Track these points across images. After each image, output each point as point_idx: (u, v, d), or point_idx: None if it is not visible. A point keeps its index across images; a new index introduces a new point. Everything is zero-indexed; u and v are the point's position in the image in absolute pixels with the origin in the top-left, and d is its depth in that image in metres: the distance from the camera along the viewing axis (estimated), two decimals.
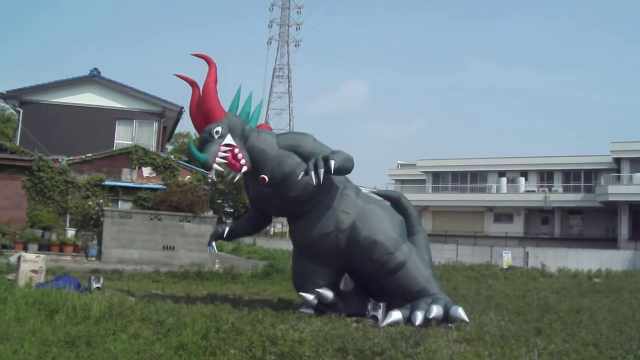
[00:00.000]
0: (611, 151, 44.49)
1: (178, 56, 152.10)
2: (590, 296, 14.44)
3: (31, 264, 11.18)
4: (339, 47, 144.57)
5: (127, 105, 28.88)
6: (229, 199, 50.82)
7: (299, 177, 8.73)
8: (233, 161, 8.96)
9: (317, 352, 6.25)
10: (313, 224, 9.31)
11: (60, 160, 24.34)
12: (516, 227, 49.05)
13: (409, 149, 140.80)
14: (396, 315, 8.73)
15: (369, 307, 8.87)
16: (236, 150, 8.95)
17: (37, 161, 23.54)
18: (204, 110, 9.12)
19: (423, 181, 55.69)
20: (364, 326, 8.16)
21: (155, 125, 29.09)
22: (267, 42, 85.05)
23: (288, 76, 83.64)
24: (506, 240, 44.96)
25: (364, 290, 10.16)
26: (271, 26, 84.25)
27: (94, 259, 21.15)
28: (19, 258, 11.62)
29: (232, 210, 52.76)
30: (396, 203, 10.22)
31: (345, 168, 8.89)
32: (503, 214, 50.13)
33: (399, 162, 63.33)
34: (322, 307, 9.41)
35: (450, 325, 8.52)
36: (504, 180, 50.40)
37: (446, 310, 8.73)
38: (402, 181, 58.26)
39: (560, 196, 47.41)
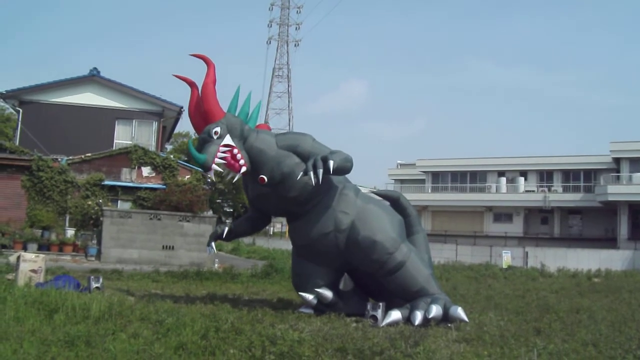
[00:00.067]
0: (611, 151, 44.50)
1: (178, 56, 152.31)
2: (590, 296, 14.45)
3: (30, 263, 11.19)
4: (338, 47, 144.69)
5: (126, 105, 28.89)
6: (229, 198, 50.80)
7: (298, 177, 8.73)
8: (232, 161, 8.96)
9: (316, 351, 6.25)
10: (312, 224, 9.31)
11: (59, 160, 24.34)
12: (516, 227, 49.06)
13: (408, 149, 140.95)
14: (395, 315, 8.74)
15: (369, 306, 8.87)
16: (235, 151, 8.96)
17: (37, 161, 23.54)
18: (202, 111, 9.12)
19: (422, 181, 55.70)
20: (363, 326, 8.16)
21: (155, 125, 29.10)
22: (267, 42, 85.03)
23: (288, 76, 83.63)
24: (506, 240, 44.97)
25: (363, 290, 10.16)
26: (271, 26, 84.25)
27: (93, 258, 21.14)
28: (18, 258, 11.62)
29: (231, 210, 52.75)
30: (395, 203, 10.23)
31: (344, 168, 8.89)
32: (502, 214, 50.15)
33: (399, 162, 63.35)
34: (321, 307, 9.42)
35: (449, 325, 8.52)
36: (503, 180, 50.40)
37: (445, 310, 8.74)
38: (402, 181, 58.26)
39: (559, 196, 47.43)
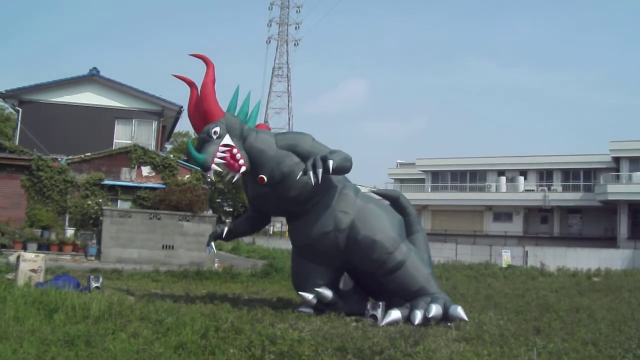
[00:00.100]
0: (610, 150, 44.48)
1: (177, 55, 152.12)
2: (590, 295, 14.46)
3: (30, 263, 11.18)
4: (338, 46, 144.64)
5: (126, 105, 28.88)
6: (228, 198, 50.80)
7: (298, 177, 8.73)
8: (231, 161, 8.96)
9: (316, 351, 6.25)
10: (312, 224, 9.31)
11: (59, 159, 24.33)
12: (515, 226, 49.06)
13: (408, 148, 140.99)
14: (395, 314, 8.74)
15: (368, 306, 8.87)
16: (234, 151, 8.96)
17: (36, 160, 23.53)
18: (202, 111, 9.12)
19: (422, 180, 55.67)
20: (363, 325, 8.15)
21: (155, 124, 29.09)
22: (267, 41, 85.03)
23: (287, 75, 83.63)
24: (505, 239, 44.98)
25: (363, 290, 10.16)
26: (270, 25, 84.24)
27: (93, 258, 21.14)
28: (18, 257, 11.62)
29: (231, 209, 52.75)
30: (395, 202, 10.23)
31: (343, 168, 8.89)
32: (502, 213, 50.14)
33: (398, 161, 63.33)
34: (321, 306, 9.42)
35: (449, 324, 8.53)
36: (503, 179, 50.38)
37: (445, 310, 8.74)
38: (402, 180, 58.23)
39: (559, 195, 47.43)
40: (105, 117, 28.25)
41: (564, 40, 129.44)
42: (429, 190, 54.01)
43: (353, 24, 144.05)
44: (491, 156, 52.20)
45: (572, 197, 46.63)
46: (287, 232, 11.16)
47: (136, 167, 25.37)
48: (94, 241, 22.03)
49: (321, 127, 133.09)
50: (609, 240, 42.53)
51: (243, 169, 9.03)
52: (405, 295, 9.09)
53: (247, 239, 38.34)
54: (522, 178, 50.02)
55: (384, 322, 8.56)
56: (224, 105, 9.25)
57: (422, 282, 9.03)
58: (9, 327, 6.85)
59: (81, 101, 28.25)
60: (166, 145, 44.70)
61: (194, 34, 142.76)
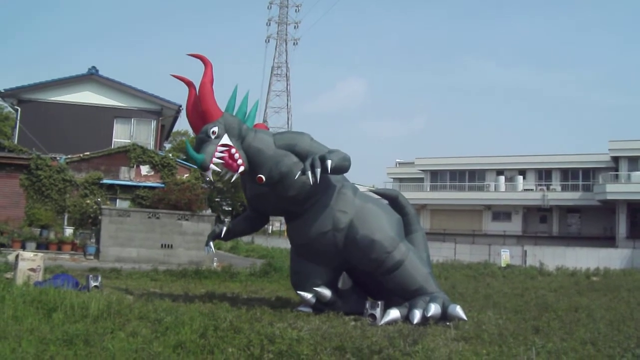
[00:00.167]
0: (609, 150, 44.47)
1: (176, 55, 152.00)
2: (589, 295, 14.46)
3: (29, 262, 11.18)
4: (337, 46, 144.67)
5: (125, 104, 28.85)
6: (227, 197, 50.83)
7: (296, 177, 8.73)
8: (230, 161, 8.96)
9: (315, 350, 6.24)
10: (311, 223, 9.31)
11: (58, 158, 24.31)
12: (514, 225, 49.06)
13: (407, 148, 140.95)
14: (394, 313, 8.74)
15: (367, 305, 8.88)
16: (233, 151, 8.96)
17: (35, 159, 23.51)
18: (200, 111, 9.12)
19: (421, 179, 55.65)
20: (362, 325, 8.16)
21: (154, 123, 29.07)
22: (266, 41, 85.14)
23: (286, 74, 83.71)
24: (504, 238, 44.98)
25: (362, 289, 10.16)
26: (269, 24, 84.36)
27: (92, 257, 21.12)
28: (17, 256, 11.60)
29: (230, 208, 52.78)
30: (394, 201, 10.22)
31: (342, 167, 8.89)
32: (501, 213, 50.13)
33: (397, 160, 63.32)
34: (320, 305, 9.42)
35: (448, 323, 8.53)
36: (502, 178, 50.37)
37: (444, 309, 8.74)
38: (401, 179, 58.22)
39: (558, 195, 47.43)
40: (104, 116, 28.22)
41: (563, 40, 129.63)
42: (428, 190, 54.00)
43: (352, 23, 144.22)
44: (490, 155, 52.18)
45: (571, 197, 46.63)
46: (286, 231, 11.12)
47: (135, 166, 25.36)
48: (93, 240, 22.02)
49: (320, 126, 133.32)
50: (608, 240, 42.53)
51: (241, 168, 9.03)
52: (404, 294, 9.09)
53: (246, 238, 38.35)
54: (521, 177, 50.01)
55: (382, 322, 8.56)
56: (222, 105, 9.25)
57: (420, 282, 9.04)
58: (8, 326, 6.85)
59: (80, 100, 28.22)
60: (165, 145, 44.71)
61: (193, 34, 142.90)
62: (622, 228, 42.41)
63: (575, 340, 7.42)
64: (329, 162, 8.38)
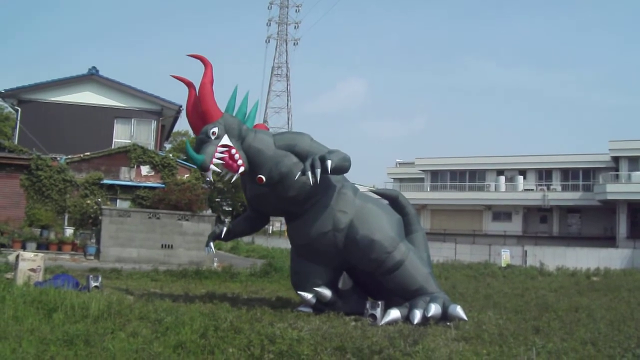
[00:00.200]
0: (609, 150, 44.47)
1: (176, 55, 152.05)
2: (589, 295, 14.46)
3: (29, 262, 11.18)
4: (337, 46, 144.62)
5: (125, 104, 28.87)
6: (228, 197, 50.80)
7: (296, 177, 8.73)
8: (230, 162, 8.96)
9: (315, 350, 6.25)
10: (311, 224, 9.31)
11: (58, 158, 24.32)
12: (515, 225, 49.05)
13: (407, 148, 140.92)
14: (394, 313, 8.74)
15: (368, 305, 8.88)
16: (233, 151, 8.96)
17: (36, 160, 23.52)
18: (200, 111, 9.12)
19: (421, 180, 55.66)
20: (362, 325, 8.16)
21: (154, 123, 29.09)
22: (266, 41, 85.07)
23: (287, 75, 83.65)
24: (505, 238, 44.98)
25: (362, 289, 10.16)
26: (270, 25, 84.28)
27: (92, 257, 21.13)
28: (17, 257, 11.61)
29: (230, 208, 52.76)
30: (394, 202, 10.22)
31: (342, 167, 8.89)
32: (501, 213, 50.13)
33: (398, 160, 63.33)
34: (320, 305, 9.42)
35: (448, 323, 8.53)
36: (502, 178, 50.38)
37: (444, 309, 8.74)
38: (401, 180, 58.23)
39: (558, 195, 47.43)
40: (105, 117, 28.24)
41: (563, 40, 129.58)
42: (428, 190, 54.00)
43: (352, 24, 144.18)
44: (490, 156, 52.19)
45: (572, 197, 46.64)
46: (286, 232, 11.11)
47: (135, 166, 25.37)
48: (93, 240, 22.03)
49: (320, 126, 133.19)
50: (608, 240, 42.53)
51: (242, 169, 9.04)
52: (405, 294, 9.09)
53: (246, 239, 38.35)
54: (521, 177, 50.02)
55: (383, 322, 8.56)
56: (222, 105, 9.25)
57: (421, 282, 9.04)
58: (8, 326, 6.85)
59: (80, 100, 28.25)
60: (165, 145, 44.72)
61: (193, 34, 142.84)
62: (622, 228, 42.41)
63: (576, 341, 7.42)
64: (329, 163, 8.38)
